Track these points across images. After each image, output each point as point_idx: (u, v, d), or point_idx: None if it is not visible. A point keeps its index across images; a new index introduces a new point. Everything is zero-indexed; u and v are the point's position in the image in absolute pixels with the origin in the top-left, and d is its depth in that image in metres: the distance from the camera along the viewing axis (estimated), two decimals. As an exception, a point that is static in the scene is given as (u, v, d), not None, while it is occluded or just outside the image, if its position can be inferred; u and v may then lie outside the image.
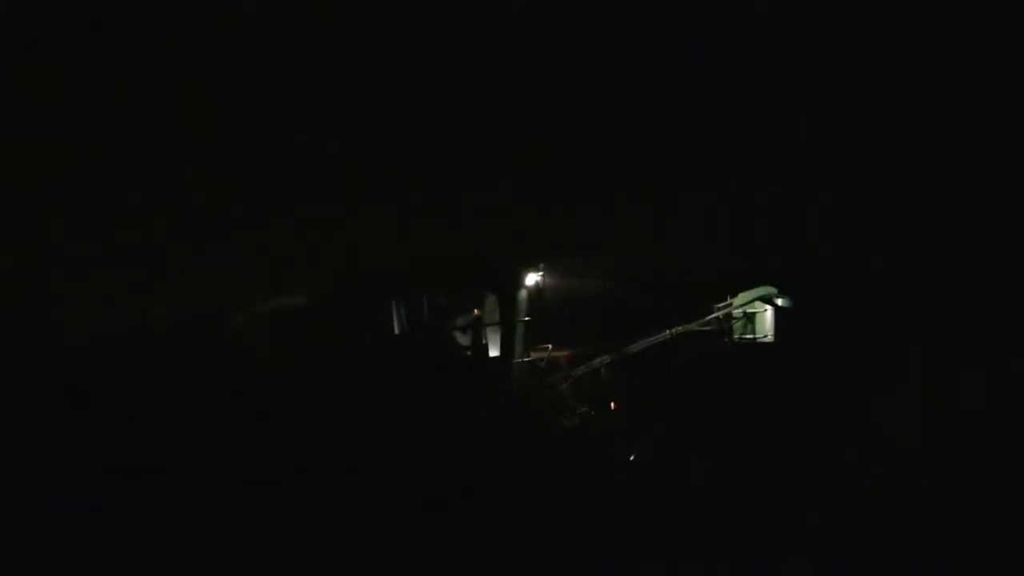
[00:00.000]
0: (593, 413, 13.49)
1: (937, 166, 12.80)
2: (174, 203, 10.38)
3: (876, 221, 12.94)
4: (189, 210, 11.16)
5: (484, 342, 14.12)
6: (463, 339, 13.87)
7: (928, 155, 12.84)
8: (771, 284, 12.49)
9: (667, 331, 12.73)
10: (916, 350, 12.64)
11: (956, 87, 12.17)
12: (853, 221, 12.93)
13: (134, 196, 10.47)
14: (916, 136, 12.77)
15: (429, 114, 12.68)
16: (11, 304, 9.61)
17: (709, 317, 12.64)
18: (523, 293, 13.82)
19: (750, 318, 12.47)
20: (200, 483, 11.02)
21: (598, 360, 13.17)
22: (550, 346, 13.88)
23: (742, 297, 12.51)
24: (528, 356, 14.03)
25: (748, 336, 12.49)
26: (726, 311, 12.56)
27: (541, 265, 13.20)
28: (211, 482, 11.11)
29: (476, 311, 13.19)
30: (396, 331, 13.74)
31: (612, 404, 13.00)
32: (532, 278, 13.70)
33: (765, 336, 12.53)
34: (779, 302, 12.38)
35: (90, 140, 9.09)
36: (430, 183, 12.61)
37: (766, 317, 12.48)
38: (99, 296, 10.68)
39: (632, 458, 12.50)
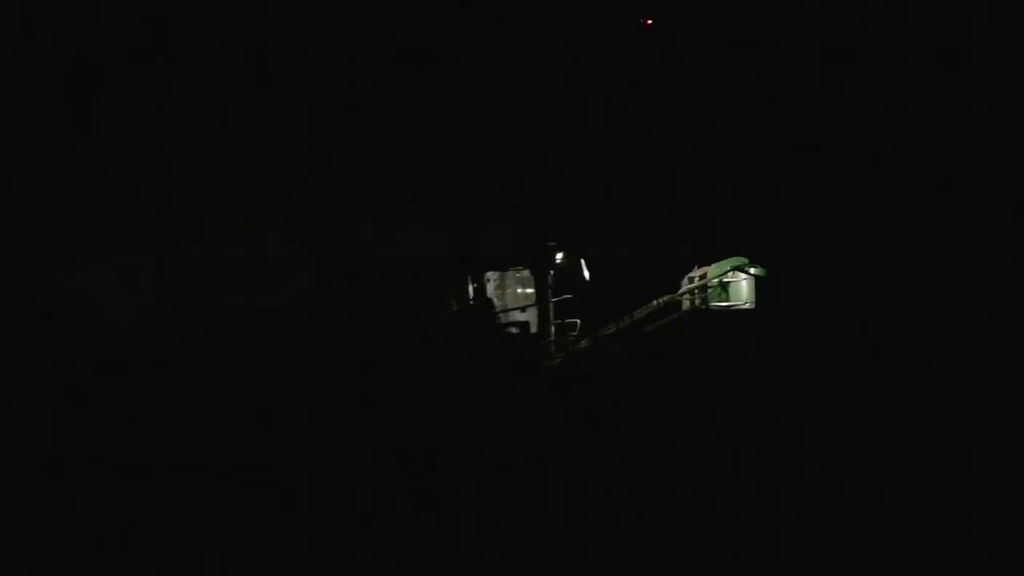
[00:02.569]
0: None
1: (904, 145, 12.94)
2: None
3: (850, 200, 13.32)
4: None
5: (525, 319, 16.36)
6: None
7: (893, 135, 13.03)
8: (741, 256, 13.46)
9: (654, 301, 14.15)
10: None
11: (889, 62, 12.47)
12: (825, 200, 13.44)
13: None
14: (876, 113, 13.08)
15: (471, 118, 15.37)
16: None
17: (687, 287, 13.87)
18: (551, 274, 15.89)
19: (724, 287, 13.51)
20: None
21: (605, 329, 14.87)
22: (578, 320, 15.75)
23: (716, 268, 13.59)
24: (571, 331, 15.99)
25: (723, 303, 13.51)
26: (702, 282, 13.70)
27: (551, 244, 15.21)
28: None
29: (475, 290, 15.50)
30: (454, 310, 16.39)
31: None
32: (559, 258, 15.75)
33: (744, 304, 13.47)
34: (752, 271, 13.31)
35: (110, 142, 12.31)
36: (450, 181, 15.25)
37: (741, 286, 13.44)
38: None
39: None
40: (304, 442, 11.83)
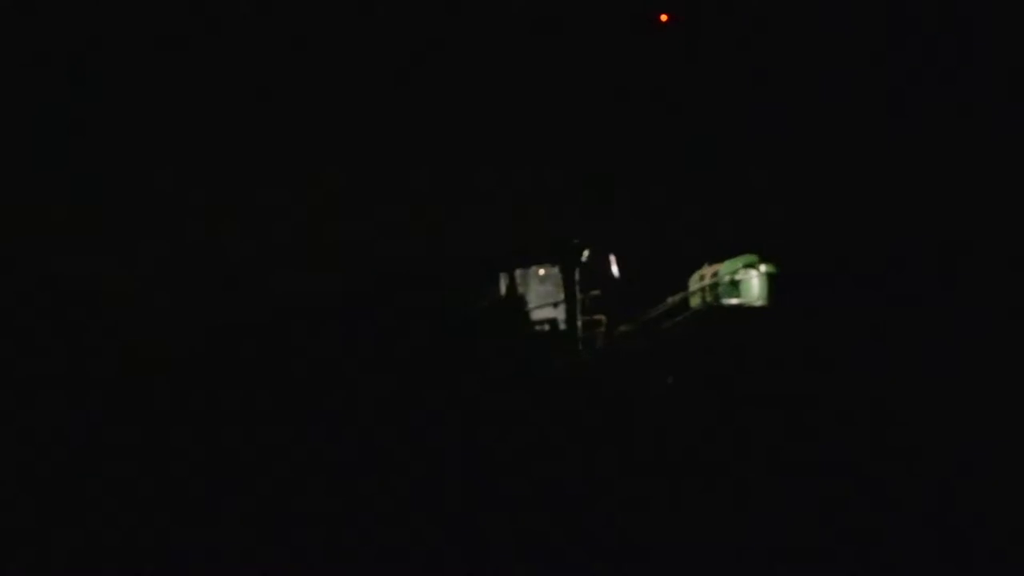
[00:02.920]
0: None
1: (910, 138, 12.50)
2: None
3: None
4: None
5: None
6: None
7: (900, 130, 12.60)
8: (752, 253, 13.37)
9: (668, 299, 14.22)
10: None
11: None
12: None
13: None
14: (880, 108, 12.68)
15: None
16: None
17: (698, 285, 13.87)
18: (578, 271, 16.07)
19: (735, 284, 13.46)
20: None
21: (622, 327, 15.01)
22: (604, 317, 15.89)
23: (728, 265, 13.55)
24: (599, 327, 16.17)
25: (733, 300, 13.47)
26: (713, 279, 13.67)
27: (578, 241, 15.40)
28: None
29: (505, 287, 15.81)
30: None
31: None
32: (585, 256, 15.91)
33: (756, 301, 13.41)
34: (763, 268, 13.23)
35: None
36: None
37: (753, 283, 13.36)
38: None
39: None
40: (324, 438, 12.42)
